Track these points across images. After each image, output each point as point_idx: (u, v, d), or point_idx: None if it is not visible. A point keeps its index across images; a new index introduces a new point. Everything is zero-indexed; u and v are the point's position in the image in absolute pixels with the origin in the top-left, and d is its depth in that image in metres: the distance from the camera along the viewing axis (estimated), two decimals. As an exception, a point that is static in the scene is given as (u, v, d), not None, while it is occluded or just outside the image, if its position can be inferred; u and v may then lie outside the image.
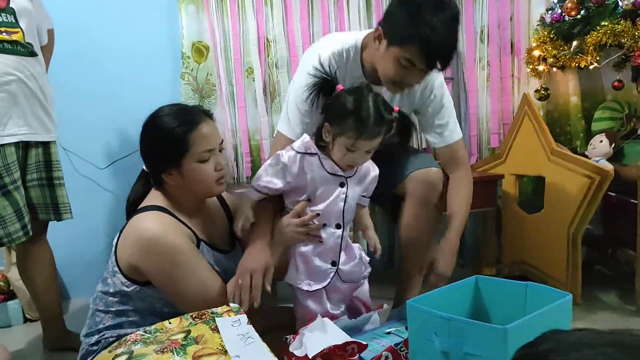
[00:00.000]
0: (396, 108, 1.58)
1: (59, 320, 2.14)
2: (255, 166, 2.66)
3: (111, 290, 1.53)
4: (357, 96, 1.51)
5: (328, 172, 1.57)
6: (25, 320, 2.47)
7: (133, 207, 1.58)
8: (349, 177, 1.61)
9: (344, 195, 1.60)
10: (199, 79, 2.61)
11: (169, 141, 1.49)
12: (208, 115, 1.56)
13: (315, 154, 1.57)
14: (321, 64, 1.68)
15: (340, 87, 1.56)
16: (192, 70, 2.60)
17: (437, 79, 1.85)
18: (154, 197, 1.57)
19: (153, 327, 1.39)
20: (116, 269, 1.52)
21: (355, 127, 1.49)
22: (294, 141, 1.65)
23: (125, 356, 1.29)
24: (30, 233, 1.90)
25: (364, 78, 1.74)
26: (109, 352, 1.37)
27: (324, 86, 1.58)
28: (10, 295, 2.47)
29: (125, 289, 1.51)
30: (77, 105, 2.55)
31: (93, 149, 2.67)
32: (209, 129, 1.52)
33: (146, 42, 2.64)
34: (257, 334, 1.35)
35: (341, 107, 1.51)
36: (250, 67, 2.61)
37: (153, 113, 1.55)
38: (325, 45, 1.77)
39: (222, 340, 1.32)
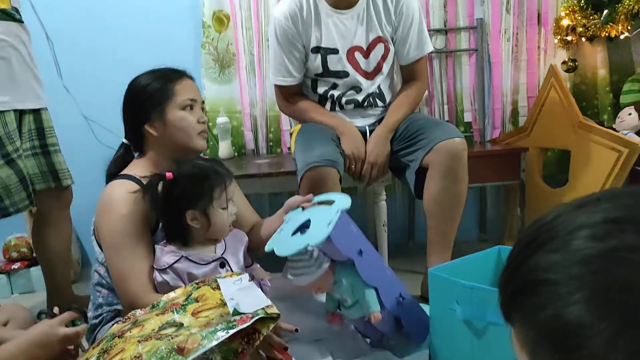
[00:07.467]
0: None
1: (68, 289, 2.12)
2: (274, 137, 2.64)
3: (99, 259, 1.55)
4: (192, 165, 1.47)
5: (203, 264, 1.45)
6: (48, 286, 2.50)
7: (112, 179, 1.56)
8: (223, 252, 1.50)
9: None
10: (219, 49, 2.59)
11: (153, 90, 1.52)
12: (189, 75, 1.59)
13: (180, 257, 1.43)
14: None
15: (169, 174, 1.43)
16: (212, 39, 2.58)
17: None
18: (132, 167, 1.56)
19: (160, 299, 1.36)
20: (93, 237, 1.54)
21: (216, 182, 1.45)
22: (293, 87, 2.04)
23: (130, 324, 1.31)
24: (34, 201, 1.87)
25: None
26: (118, 323, 1.37)
27: (155, 184, 1.44)
28: (34, 261, 2.50)
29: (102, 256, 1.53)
30: (98, 74, 2.55)
31: (114, 118, 2.65)
32: (190, 83, 1.57)
33: (168, 11, 2.62)
34: (257, 287, 1.32)
35: (193, 181, 1.44)
36: (270, 36, 2.57)
37: (134, 78, 1.57)
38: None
39: (222, 296, 1.28)
